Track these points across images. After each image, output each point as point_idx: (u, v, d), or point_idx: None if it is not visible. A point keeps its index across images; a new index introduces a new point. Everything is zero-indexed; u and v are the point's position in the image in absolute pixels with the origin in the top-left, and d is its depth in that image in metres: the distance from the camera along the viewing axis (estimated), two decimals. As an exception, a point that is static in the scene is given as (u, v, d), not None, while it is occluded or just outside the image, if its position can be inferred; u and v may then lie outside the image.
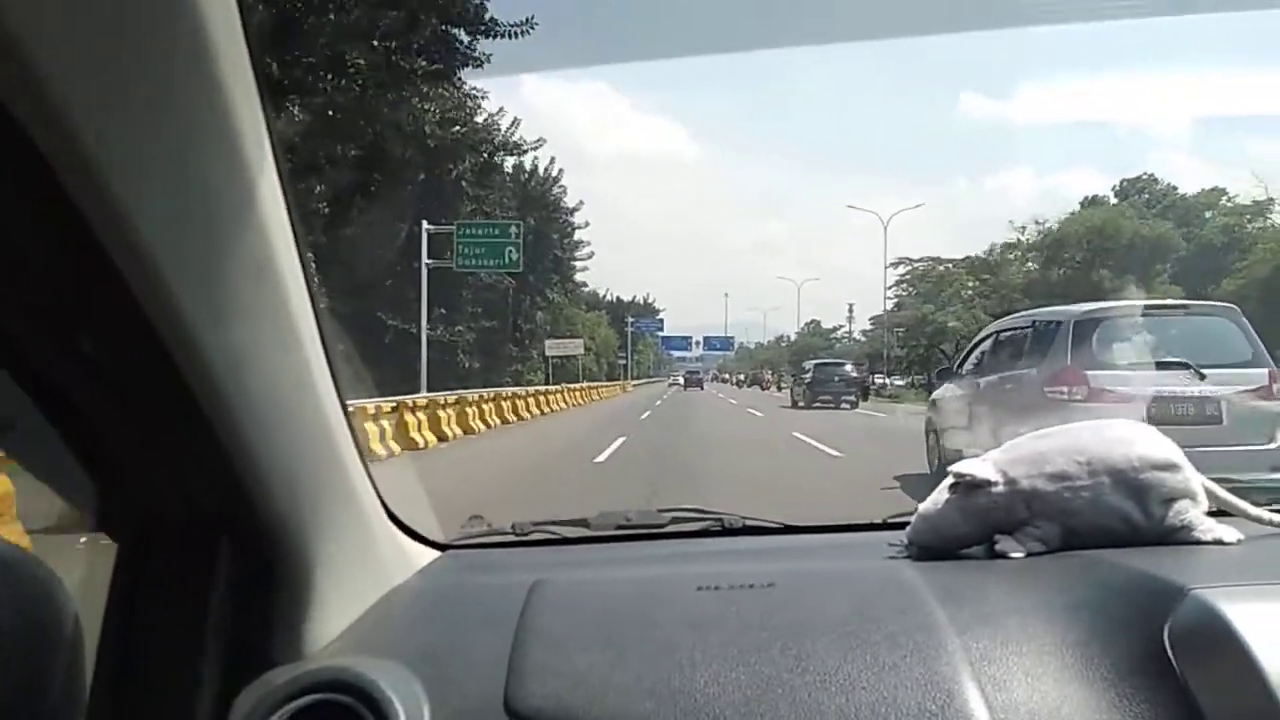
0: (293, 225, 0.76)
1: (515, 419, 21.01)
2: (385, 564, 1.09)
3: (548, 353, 41.56)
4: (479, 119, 27.36)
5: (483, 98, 26.52)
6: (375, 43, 14.24)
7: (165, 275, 0.62)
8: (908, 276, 50.67)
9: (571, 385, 33.36)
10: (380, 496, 1.08)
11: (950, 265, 44.44)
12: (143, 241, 0.60)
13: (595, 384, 43.33)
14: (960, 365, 9.18)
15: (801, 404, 26.71)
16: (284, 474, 0.83)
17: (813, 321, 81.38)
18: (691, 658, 0.84)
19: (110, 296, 0.62)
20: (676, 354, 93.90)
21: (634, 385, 64.02)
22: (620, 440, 14.29)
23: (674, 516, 1.42)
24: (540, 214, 39.63)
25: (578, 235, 46.73)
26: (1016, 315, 9.09)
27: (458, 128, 24.16)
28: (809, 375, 28.37)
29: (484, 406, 18.99)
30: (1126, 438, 1.09)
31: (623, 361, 73.76)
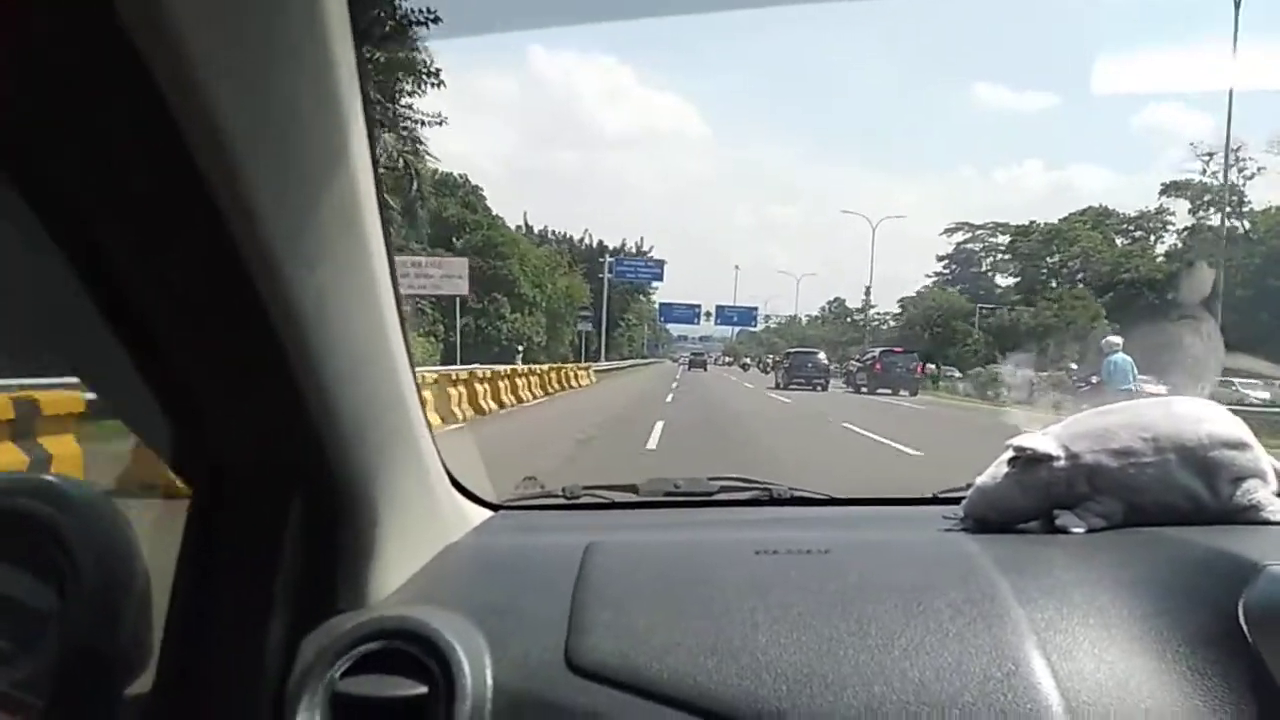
0: (377, 180, 0.75)
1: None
2: (444, 520, 1.09)
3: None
4: None
5: None
6: None
7: (261, 213, 0.62)
8: (966, 247, 43.57)
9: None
10: (440, 454, 1.07)
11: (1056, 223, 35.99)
12: (243, 178, 0.59)
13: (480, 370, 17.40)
14: None
15: (781, 385, 30.66)
16: (357, 425, 0.82)
17: (836, 300, 76.33)
18: (752, 619, 0.84)
19: (205, 231, 0.61)
20: (677, 329, 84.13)
21: (597, 373, 33.90)
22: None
23: (723, 485, 1.43)
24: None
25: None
26: None
27: None
28: (787, 362, 33.05)
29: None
30: (1195, 415, 1.07)
31: (586, 322, 42.85)
